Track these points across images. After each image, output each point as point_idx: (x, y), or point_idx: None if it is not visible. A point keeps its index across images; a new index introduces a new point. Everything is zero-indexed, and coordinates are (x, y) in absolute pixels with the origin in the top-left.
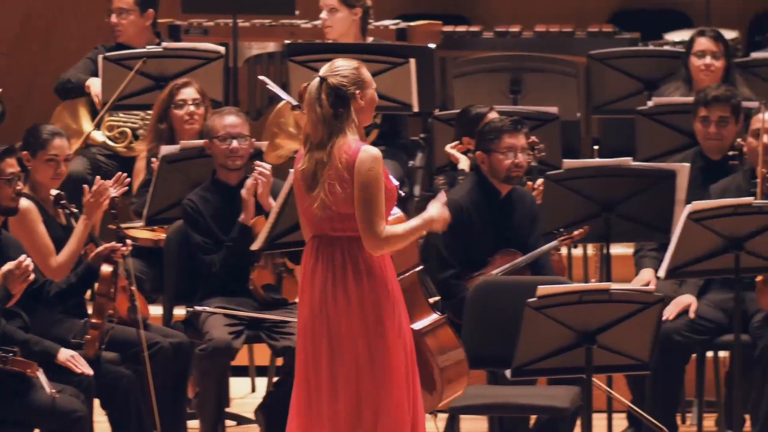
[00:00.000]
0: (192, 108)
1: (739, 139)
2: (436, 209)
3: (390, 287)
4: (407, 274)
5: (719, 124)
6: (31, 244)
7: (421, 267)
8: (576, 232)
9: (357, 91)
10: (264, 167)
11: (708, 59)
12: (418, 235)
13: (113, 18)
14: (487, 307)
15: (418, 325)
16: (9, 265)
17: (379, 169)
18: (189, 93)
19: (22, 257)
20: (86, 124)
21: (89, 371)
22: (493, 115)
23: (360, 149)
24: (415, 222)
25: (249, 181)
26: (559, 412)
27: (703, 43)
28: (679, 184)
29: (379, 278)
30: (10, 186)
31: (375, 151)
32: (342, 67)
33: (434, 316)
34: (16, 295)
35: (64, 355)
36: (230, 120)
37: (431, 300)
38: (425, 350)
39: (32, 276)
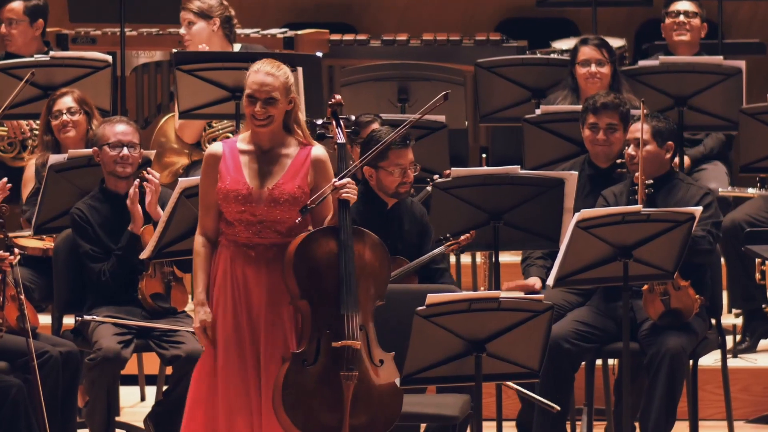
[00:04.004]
0: (66, 117)
1: (626, 148)
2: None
3: None
4: None
5: (608, 131)
6: None
7: None
8: (462, 238)
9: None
10: (153, 175)
11: (593, 67)
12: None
13: (2, 28)
14: (376, 316)
15: None
16: None
17: (203, 163)
18: (64, 102)
19: None
20: None
21: None
22: (376, 126)
23: None
24: (199, 286)
25: (131, 190)
26: (448, 420)
27: (586, 51)
28: (567, 192)
29: None
30: None
31: (208, 150)
32: None
33: None
34: None
35: None
36: (121, 128)
37: None
38: None
39: None
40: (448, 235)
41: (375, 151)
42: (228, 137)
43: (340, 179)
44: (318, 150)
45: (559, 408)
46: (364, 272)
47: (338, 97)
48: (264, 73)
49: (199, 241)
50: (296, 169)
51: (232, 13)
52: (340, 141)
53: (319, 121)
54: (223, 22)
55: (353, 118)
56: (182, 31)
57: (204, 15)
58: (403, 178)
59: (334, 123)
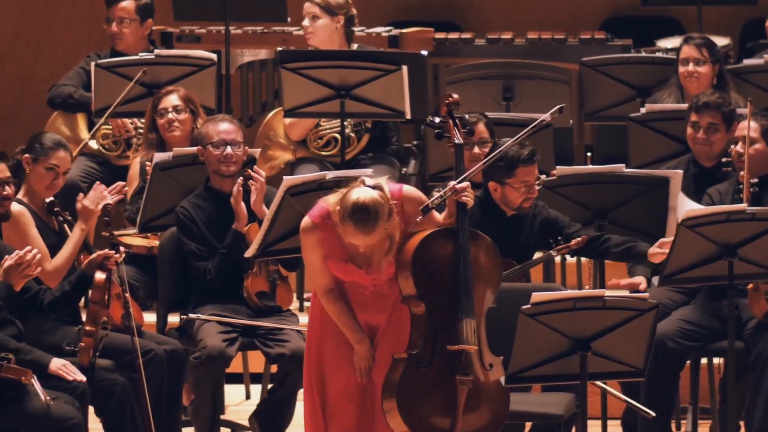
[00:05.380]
0: (171, 115)
1: (732, 146)
2: (364, 355)
3: None
4: None
5: (708, 131)
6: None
7: None
8: (573, 242)
9: None
10: (259, 173)
11: (691, 66)
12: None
13: (114, 26)
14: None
15: None
16: (10, 260)
17: (302, 242)
18: (170, 101)
19: (26, 249)
20: (82, 132)
21: (82, 378)
22: (481, 127)
23: None
24: (350, 324)
25: (235, 189)
26: (553, 419)
27: (686, 50)
28: (672, 190)
29: None
30: None
31: (303, 229)
32: None
33: None
34: (17, 287)
35: (56, 364)
36: (224, 126)
37: None
38: None
39: (38, 270)
40: (559, 238)
41: (492, 159)
42: (335, 137)
43: (459, 182)
44: (407, 190)
45: (654, 414)
46: (478, 275)
47: (455, 96)
48: (367, 233)
49: (328, 299)
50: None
51: (355, 12)
52: (458, 141)
53: (437, 119)
54: (346, 20)
55: (467, 117)
56: (305, 23)
57: (330, 11)
58: (528, 194)
59: (450, 122)
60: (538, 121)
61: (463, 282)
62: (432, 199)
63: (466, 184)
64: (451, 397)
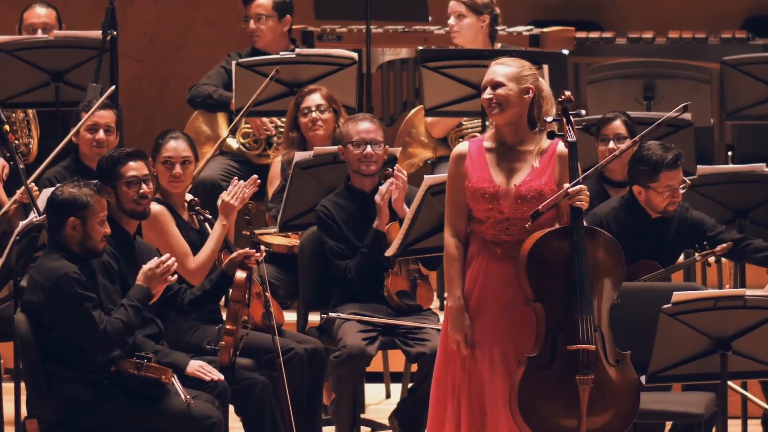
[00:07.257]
0: (315, 114)
1: None
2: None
3: None
4: None
5: None
6: (166, 248)
7: None
8: (719, 248)
9: None
10: (401, 172)
11: None
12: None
13: (251, 24)
14: (623, 314)
15: None
16: (150, 264)
17: (450, 167)
18: (313, 100)
19: (165, 256)
20: (222, 132)
21: (220, 377)
22: (618, 123)
23: None
24: (457, 291)
25: (383, 187)
26: (694, 418)
27: None
28: None
29: None
30: (131, 189)
31: (454, 149)
32: None
33: None
34: (157, 295)
35: (193, 366)
36: (365, 126)
37: None
38: None
39: (174, 277)
40: (705, 243)
41: (600, 167)
42: (475, 136)
43: (573, 186)
44: (563, 146)
45: None
46: (598, 272)
47: (568, 93)
48: (495, 63)
49: (451, 243)
50: (544, 165)
51: (498, 11)
52: (572, 139)
53: (549, 118)
54: (491, 20)
55: (583, 113)
56: (451, 21)
57: (476, 10)
58: (672, 198)
59: (564, 120)
60: (657, 122)
61: (578, 281)
62: (543, 204)
63: (579, 187)
64: (574, 397)
